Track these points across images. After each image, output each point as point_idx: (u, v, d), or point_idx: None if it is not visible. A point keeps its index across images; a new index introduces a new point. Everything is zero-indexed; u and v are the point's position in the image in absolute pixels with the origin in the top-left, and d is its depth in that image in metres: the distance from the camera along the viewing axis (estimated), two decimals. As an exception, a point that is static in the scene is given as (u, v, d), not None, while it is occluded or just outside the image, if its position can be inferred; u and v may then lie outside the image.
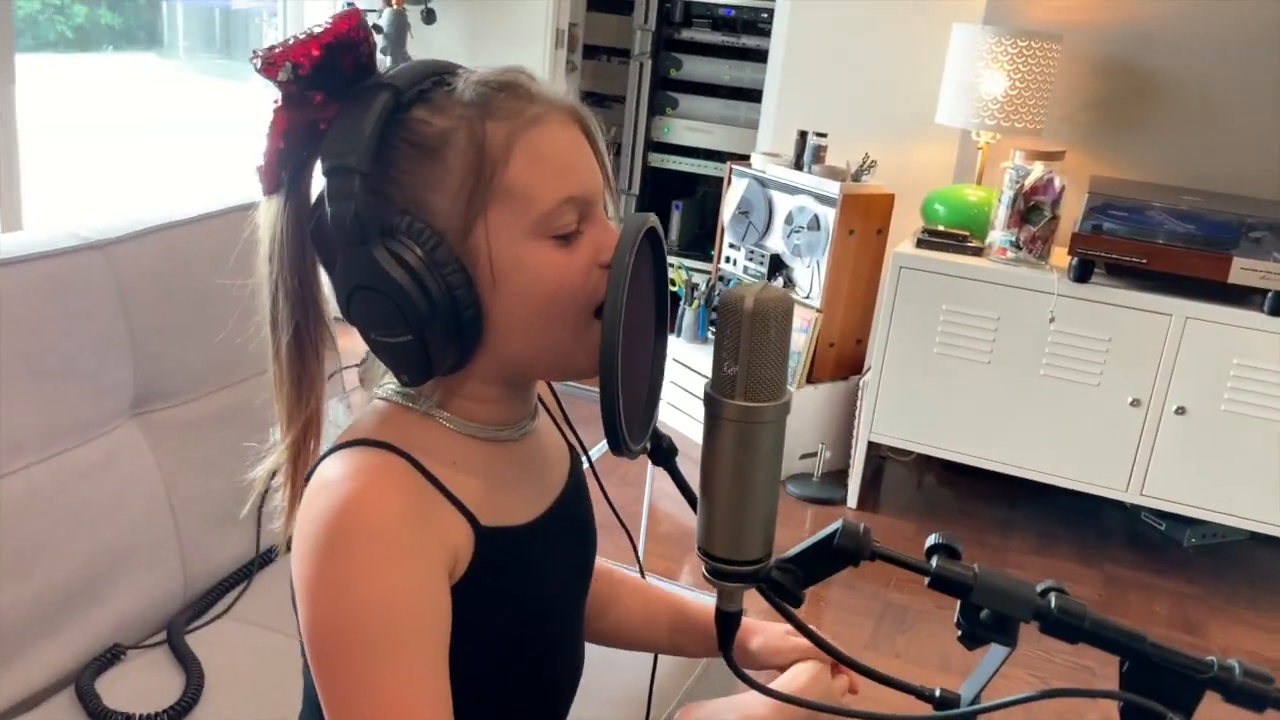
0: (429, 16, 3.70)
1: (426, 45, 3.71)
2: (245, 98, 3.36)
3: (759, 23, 4.14)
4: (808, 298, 3.15)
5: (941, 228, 3.00)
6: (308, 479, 0.78)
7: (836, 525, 0.74)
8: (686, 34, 4.34)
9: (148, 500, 1.36)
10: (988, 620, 0.73)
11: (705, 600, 1.08)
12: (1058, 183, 2.79)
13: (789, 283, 3.22)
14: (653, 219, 0.76)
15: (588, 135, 0.79)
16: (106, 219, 1.35)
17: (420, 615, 0.72)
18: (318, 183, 0.76)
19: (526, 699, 0.89)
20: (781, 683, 0.93)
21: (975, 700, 0.80)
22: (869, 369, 3.13)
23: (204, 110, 3.29)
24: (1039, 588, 0.73)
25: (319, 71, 0.71)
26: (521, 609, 0.83)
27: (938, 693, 0.80)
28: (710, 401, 0.70)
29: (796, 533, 2.96)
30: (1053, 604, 0.71)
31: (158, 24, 3.16)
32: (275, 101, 0.73)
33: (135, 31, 3.14)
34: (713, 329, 3.50)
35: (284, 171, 0.75)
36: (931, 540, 0.76)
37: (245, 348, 1.49)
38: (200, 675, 1.28)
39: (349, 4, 3.30)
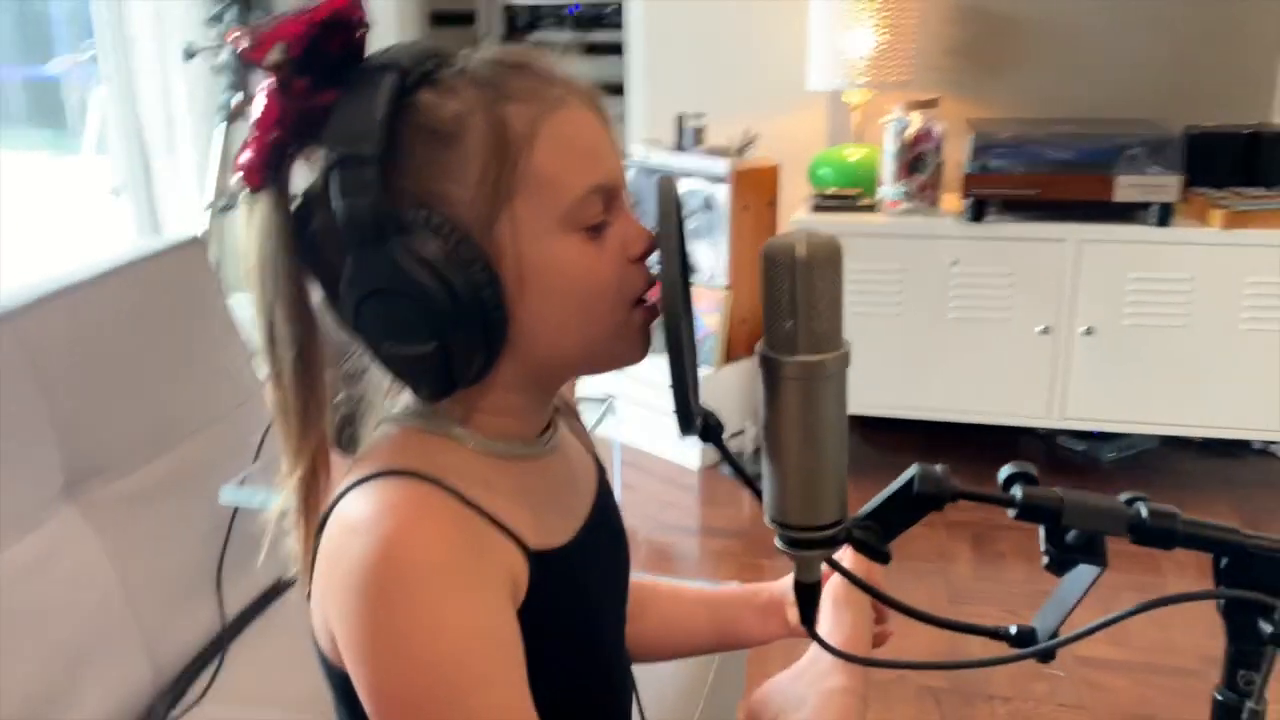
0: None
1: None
2: (70, 170, 3.15)
3: (604, 17, 4.12)
4: (713, 279, 3.14)
5: (832, 190, 3.02)
6: (322, 524, 0.71)
7: (913, 470, 0.71)
8: (535, 36, 4.30)
9: (99, 589, 1.24)
10: (1076, 542, 0.72)
11: (730, 586, 1.04)
12: (937, 129, 2.84)
13: (692, 267, 3.20)
14: (674, 183, 0.71)
15: (604, 120, 0.74)
16: (5, 289, 1.23)
17: (499, 649, 0.66)
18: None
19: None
20: (826, 629, 0.85)
21: (1055, 634, 0.77)
22: (782, 340, 3.13)
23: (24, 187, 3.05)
24: (1122, 498, 0.71)
25: (311, 52, 0.64)
26: (576, 632, 0.78)
27: (1013, 630, 0.77)
28: (769, 363, 0.66)
29: (736, 513, 2.94)
30: (1144, 513, 0.69)
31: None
32: (264, 88, 0.66)
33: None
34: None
35: (271, 169, 0.68)
36: (1007, 470, 0.74)
37: (175, 407, 1.40)
38: (193, 767, 1.18)
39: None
